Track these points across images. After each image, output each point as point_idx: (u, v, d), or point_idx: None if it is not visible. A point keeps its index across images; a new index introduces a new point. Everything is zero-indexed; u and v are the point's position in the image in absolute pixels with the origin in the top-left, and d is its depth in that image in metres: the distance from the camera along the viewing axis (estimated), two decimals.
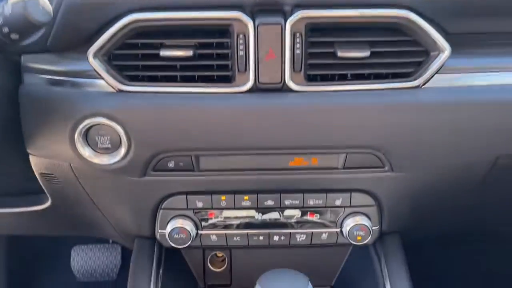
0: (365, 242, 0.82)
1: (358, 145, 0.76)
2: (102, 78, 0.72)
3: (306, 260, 0.98)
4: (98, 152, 0.75)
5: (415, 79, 0.73)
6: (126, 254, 1.68)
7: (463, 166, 0.80)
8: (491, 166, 0.81)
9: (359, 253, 0.96)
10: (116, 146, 0.74)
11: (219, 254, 1.03)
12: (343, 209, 0.83)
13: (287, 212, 0.83)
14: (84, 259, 1.64)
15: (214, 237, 0.84)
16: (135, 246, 0.91)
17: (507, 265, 1.40)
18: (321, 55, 0.72)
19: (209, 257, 1.01)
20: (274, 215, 0.83)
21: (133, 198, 0.83)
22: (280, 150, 0.77)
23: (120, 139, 0.73)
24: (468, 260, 1.37)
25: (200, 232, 0.83)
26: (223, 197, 0.82)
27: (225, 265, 1.02)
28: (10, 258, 1.40)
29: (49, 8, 0.64)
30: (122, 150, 0.74)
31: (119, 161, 0.75)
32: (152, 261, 0.88)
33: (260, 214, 0.83)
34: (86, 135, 0.74)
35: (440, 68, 0.73)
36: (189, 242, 0.82)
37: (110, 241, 1.67)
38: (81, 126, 0.72)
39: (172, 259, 0.94)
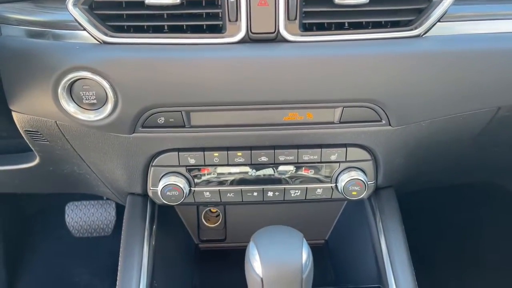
0: (360, 197, 0.81)
1: (355, 99, 0.73)
2: (85, 29, 0.68)
3: (300, 215, 0.97)
4: (84, 108, 0.71)
5: (415, 28, 0.69)
6: (120, 210, 1.69)
7: (463, 118, 0.77)
8: (492, 117, 0.79)
9: (353, 207, 0.96)
10: (102, 101, 0.71)
11: (213, 209, 1.03)
12: (338, 164, 0.81)
13: (282, 168, 0.81)
14: (78, 215, 1.64)
15: (207, 194, 0.83)
16: (128, 203, 0.90)
17: (498, 215, 1.42)
18: (318, 2, 0.67)
19: (203, 212, 1.01)
20: (268, 171, 0.81)
21: (123, 156, 0.81)
22: (274, 104, 0.73)
23: (106, 94, 0.70)
24: (460, 212, 1.39)
25: (193, 189, 0.82)
26: (215, 154, 0.79)
27: (220, 221, 1.01)
28: (2, 217, 1.40)
29: None
30: (109, 106, 0.71)
31: (106, 117, 0.72)
32: (145, 218, 0.87)
33: (254, 170, 0.81)
34: (70, 90, 0.70)
35: (442, 16, 0.69)
36: (182, 199, 0.80)
37: (104, 197, 1.67)
38: (64, 81, 0.68)
39: (165, 216, 0.93)
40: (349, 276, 0.87)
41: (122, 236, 0.85)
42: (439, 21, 0.69)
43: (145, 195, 0.89)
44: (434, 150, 0.84)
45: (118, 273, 0.81)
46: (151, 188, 0.83)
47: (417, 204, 1.24)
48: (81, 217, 1.65)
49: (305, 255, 0.59)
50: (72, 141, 0.80)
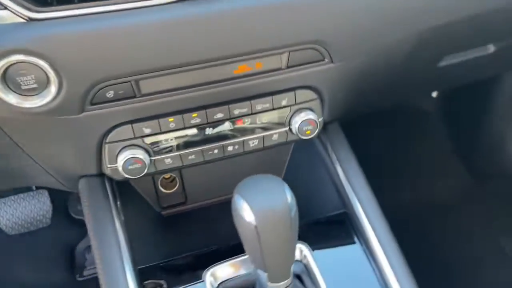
0: (313, 135, 0.86)
1: (299, 42, 0.75)
2: (6, 7, 0.61)
3: (251, 165, 1.00)
4: (25, 95, 0.65)
5: None
6: (54, 197, 1.60)
7: (392, 45, 0.84)
8: (417, 39, 0.86)
9: (301, 146, 1.01)
10: (43, 84, 0.65)
11: (167, 176, 1.02)
12: (289, 108, 0.84)
13: (239, 122, 0.82)
14: (9, 212, 1.52)
15: (168, 161, 0.82)
16: (82, 186, 0.86)
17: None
18: None
19: (159, 181, 1.00)
20: (225, 126, 0.82)
21: (73, 138, 0.76)
22: (221, 59, 0.73)
23: (47, 75, 0.65)
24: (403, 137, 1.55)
25: (153, 158, 0.80)
26: (170, 119, 0.78)
27: (177, 185, 1.01)
28: None
29: None
30: (53, 88, 0.66)
31: (52, 100, 0.67)
32: (108, 197, 0.84)
33: (211, 129, 0.82)
34: (4, 78, 0.64)
35: None
36: (146, 170, 0.79)
37: (34, 187, 1.56)
38: None
39: (124, 191, 0.91)
40: (314, 209, 0.94)
41: (88, 221, 0.82)
42: None
43: (100, 174, 0.85)
44: (369, 80, 0.91)
45: (98, 260, 0.79)
46: (109, 166, 0.80)
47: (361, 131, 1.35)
48: (12, 213, 1.54)
49: (289, 196, 0.63)
50: (11, 132, 0.74)
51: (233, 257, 0.79)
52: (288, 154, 1.04)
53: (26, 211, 1.54)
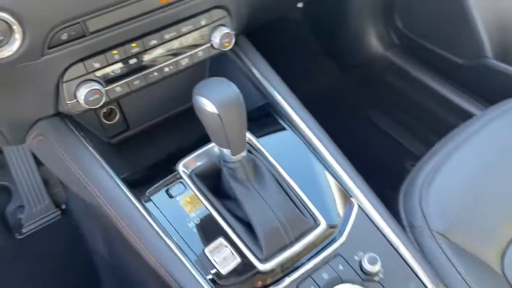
0: (231, 46, 1.05)
1: None
2: None
3: (178, 83, 1.17)
4: None
5: None
6: None
7: None
8: None
9: (217, 62, 1.20)
10: (8, 36, 0.74)
11: (105, 110, 1.14)
12: (208, 26, 1.02)
13: (171, 43, 0.98)
14: None
15: (118, 89, 0.95)
16: (45, 127, 0.95)
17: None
18: None
19: (101, 114, 1.12)
20: (160, 50, 0.97)
21: (34, 82, 0.85)
22: None
23: (10, 27, 0.73)
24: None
25: (106, 88, 0.93)
26: (114, 52, 0.91)
27: (118, 114, 1.14)
28: None
29: None
30: (17, 37, 0.75)
31: (18, 49, 0.76)
32: (73, 131, 0.96)
33: (149, 55, 0.96)
34: None
35: None
36: (103, 99, 0.92)
37: None
38: None
39: (76, 126, 1.02)
40: None
41: (66, 152, 0.93)
42: None
43: (57, 114, 0.96)
44: None
45: (92, 183, 0.91)
46: (69, 102, 0.91)
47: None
48: None
49: (236, 88, 0.84)
50: None
51: (196, 150, 0.99)
52: (206, 71, 1.22)
53: None
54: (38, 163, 1.73)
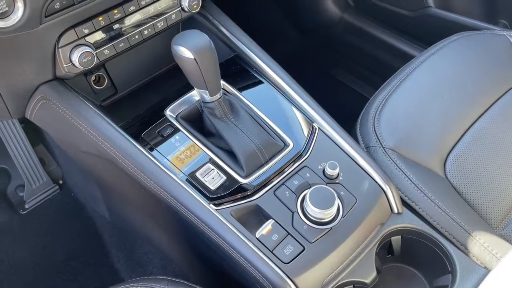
0: (198, 8, 1.21)
1: None
2: None
3: (158, 45, 1.31)
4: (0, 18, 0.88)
5: None
6: None
7: None
8: None
9: (188, 24, 1.35)
10: (12, 5, 0.89)
11: (93, 77, 1.29)
12: None
13: (147, 9, 1.13)
14: None
15: (106, 51, 1.11)
16: (48, 91, 1.10)
17: None
18: None
19: (91, 81, 1.27)
20: (138, 16, 1.13)
21: (34, 48, 1.00)
22: None
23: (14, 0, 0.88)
24: None
25: (95, 52, 1.09)
26: (100, 18, 1.06)
27: (106, 80, 1.29)
28: None
29: None
30: (20, 6, 0.89)
31: (20, 18, 0.90)
32: (74, 92, 1.11)
33: (129, 20, 1.12)
34: None
35: None
36: (95, 61, 1.07)
37: None
38: None
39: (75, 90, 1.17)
40: None
41: (73, 111, 1.08)
42: None
43: (54, 78, 1.11)
44: None
45: (100, 136, 1.06)
46: (65, 65, 1.06)
47: None
48: None
49: (207, 36, 1.01)
50: None
51: (179, 98, 1.16)
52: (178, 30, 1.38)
53: None
54: (34, 144, 1.86)
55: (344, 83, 2.28)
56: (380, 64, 2.16)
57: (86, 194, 1.79)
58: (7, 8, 0.89)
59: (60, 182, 1.90)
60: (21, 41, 0.98)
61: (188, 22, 1.30)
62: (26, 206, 1.82)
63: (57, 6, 0.97)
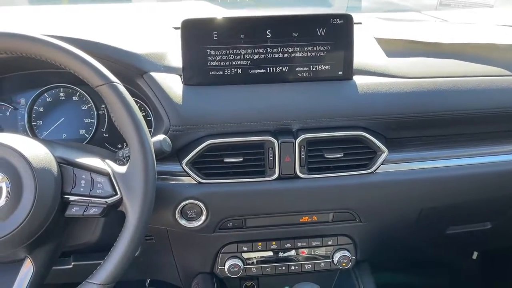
0: (347, 267, 1.33)
1: (340, 208, 1.28)
2: (189, 175, 1.23)
3: (308, 281, 1.46)
4: (189, 220, 1.24)
5: (369, 168, 1.27)
6: None
7: (402, 215, 1.34)
8: (419, 213, 1.35)
9: (344, 275, 1.46)
10: (199, 215, 1.24)
11: (248, 283, 1.51)
12: (333, 247, 1.34)
13: (299, 251, 1.34)
14: None
15: (254, 270, 1.33)
16: (198, 280, 1.39)
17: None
18: (315, 157, 1.26)
19: (244, 285, 1.50)
20: (291, 253, 1.34)
21: (204, 247, 1.32)
22: (294, 213, 1.28)
23: (202, 211, 1.23)
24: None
25: (245, 267, 1.32)
26: (259, 244, 1.32)
27: None
28: None
29: (170, 143, 1.15)
30: (203, 218, 1.24)
31: (201, 224, 1.24)
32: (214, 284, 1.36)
33: (282, 253, 1.34)
34: (181, 211, 1.23)
35: (383, 161, 1.27)
36: (240, 273, 1.31)
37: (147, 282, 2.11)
38: (180, 206, 1.22)
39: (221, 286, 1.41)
40: None
41: None
42: (382, 164, 1.28)
43: (211, 272, 1.38)
44: (388, 237, 1.40)
45: None
46: (219, 267, 1.33)
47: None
48: None
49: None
50: (173, 240, 1.31)
51: None
52: (335, 277, 1.49)
53: None
54: None
55: None
56: None
57: None
58: (195, 215, 1.24)
59: None
60: (197, 239, 1.31)
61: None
62: None
63: (229, 224, 1.28)
